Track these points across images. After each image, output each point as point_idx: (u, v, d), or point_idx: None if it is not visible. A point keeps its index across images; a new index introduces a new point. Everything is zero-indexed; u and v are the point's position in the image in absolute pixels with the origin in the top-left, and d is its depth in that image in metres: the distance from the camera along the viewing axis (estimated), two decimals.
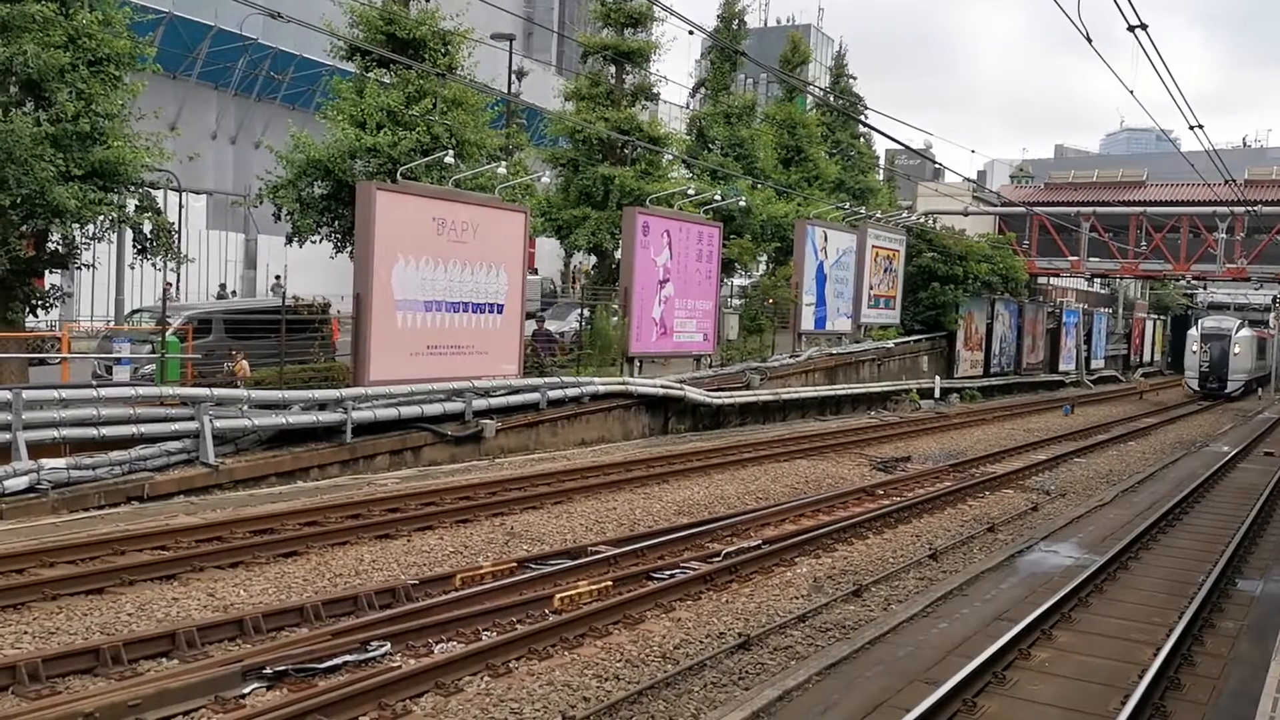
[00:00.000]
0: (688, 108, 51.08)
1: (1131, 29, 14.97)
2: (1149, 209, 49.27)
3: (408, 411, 19.84)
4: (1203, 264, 47.85)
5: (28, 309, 19.48)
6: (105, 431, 15.80)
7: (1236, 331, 56.39)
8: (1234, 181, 34.13)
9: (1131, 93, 21.11)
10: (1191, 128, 21.52)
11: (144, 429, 16.19)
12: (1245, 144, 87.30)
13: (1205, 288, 68.84)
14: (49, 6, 17.18)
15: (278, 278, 36.45)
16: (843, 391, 34.44)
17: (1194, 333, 57.59)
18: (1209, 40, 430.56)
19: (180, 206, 24.78)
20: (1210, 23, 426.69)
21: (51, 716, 7.53)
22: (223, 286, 30.41)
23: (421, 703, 8.54)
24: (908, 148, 32.24)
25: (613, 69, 33.00)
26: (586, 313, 28.16)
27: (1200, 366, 56.02)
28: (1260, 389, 64.73)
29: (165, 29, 38.09)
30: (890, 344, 39.23)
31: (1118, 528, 16.50)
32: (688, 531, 14.94)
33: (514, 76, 39.20)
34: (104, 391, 16.50)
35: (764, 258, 39.71)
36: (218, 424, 16.89)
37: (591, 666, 9.57)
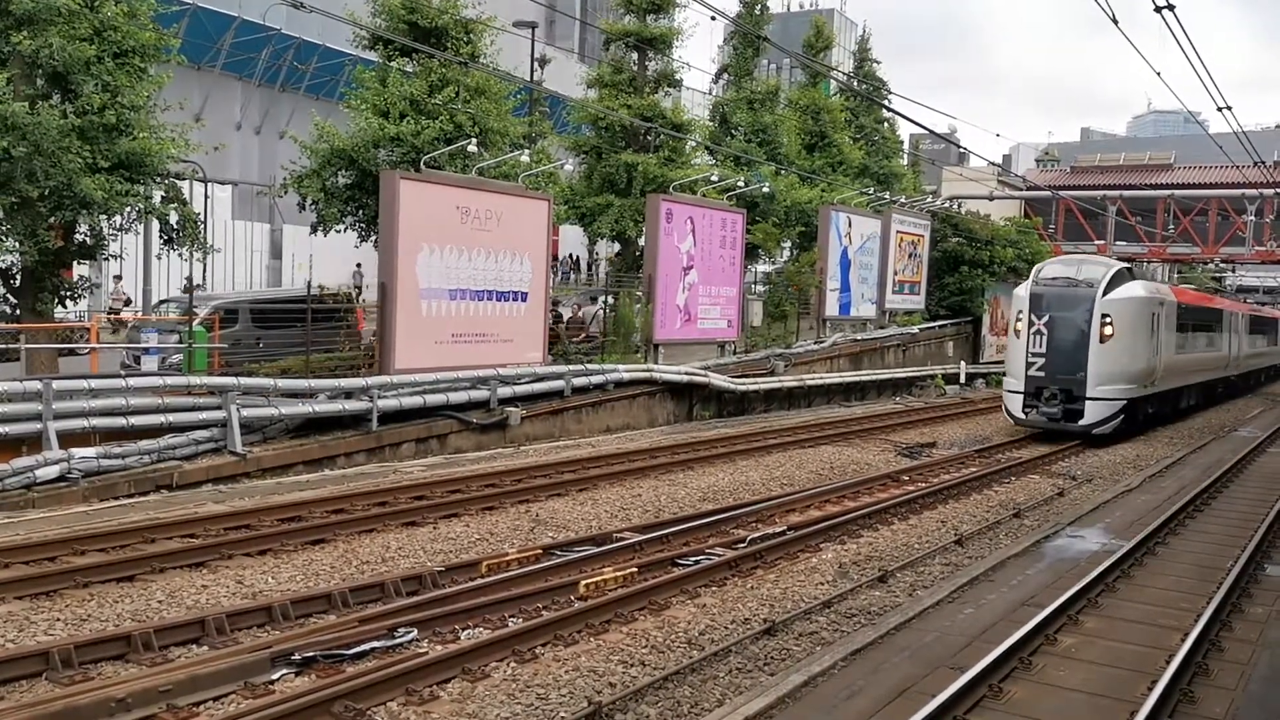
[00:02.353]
0: (711, 94, 50.88)
1: (1159, 10, 14.82)
2: (1176, 192, 48.89)
3: (433, 399, 19.94)
4: (1232, 247, 47.41)
5: (56, 300, 19.66)
6: (134, 421, 15.96)
7: (1109, 289, 25.55)
8: (1263, 163, 33.75)
9: (1159, 75, 20.93)
10: (1220, 109, 21.33)
11: (172, 418, 16.34)
12: (1277, 127, 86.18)
13: (1234, 271, 68.08)
14: (74, 0, 17.29)
15: (358, 271, 36.28)
16: (868, 377, 34.35)
17: (1021, 295, 26.69)
18: (1241, 20, 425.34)
19: (206, 197, 24.89)
20: (1240, 2, 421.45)
21: (85, 702, 7.61)
22: (188, 279, 29.81)
23: (448, 688, 8.59)
24: (932, 132, 32.01)
25: (635, 56, 32.89)
26: (610, 299, 28.17)
27: (1028, 366, 25.85)
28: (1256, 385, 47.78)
29: (189, 20, 38.23)
30: (915, 329, 39.07)
31: (1145, 513, 16.40)
32: (713, 518, 14.95)
33: (536, 64, 39.16)
34: (132, 381, 16.65)
35: (788, 244, 39.57)
36: (245, 413, 17.02)
37: (617, 652, 9.60)
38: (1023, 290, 26.36)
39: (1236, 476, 21.12)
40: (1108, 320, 24.93)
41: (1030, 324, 25.56)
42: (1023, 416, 25.91)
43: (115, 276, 30.40)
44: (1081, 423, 25.02)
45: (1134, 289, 26.39)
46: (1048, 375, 25.36)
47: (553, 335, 26.88)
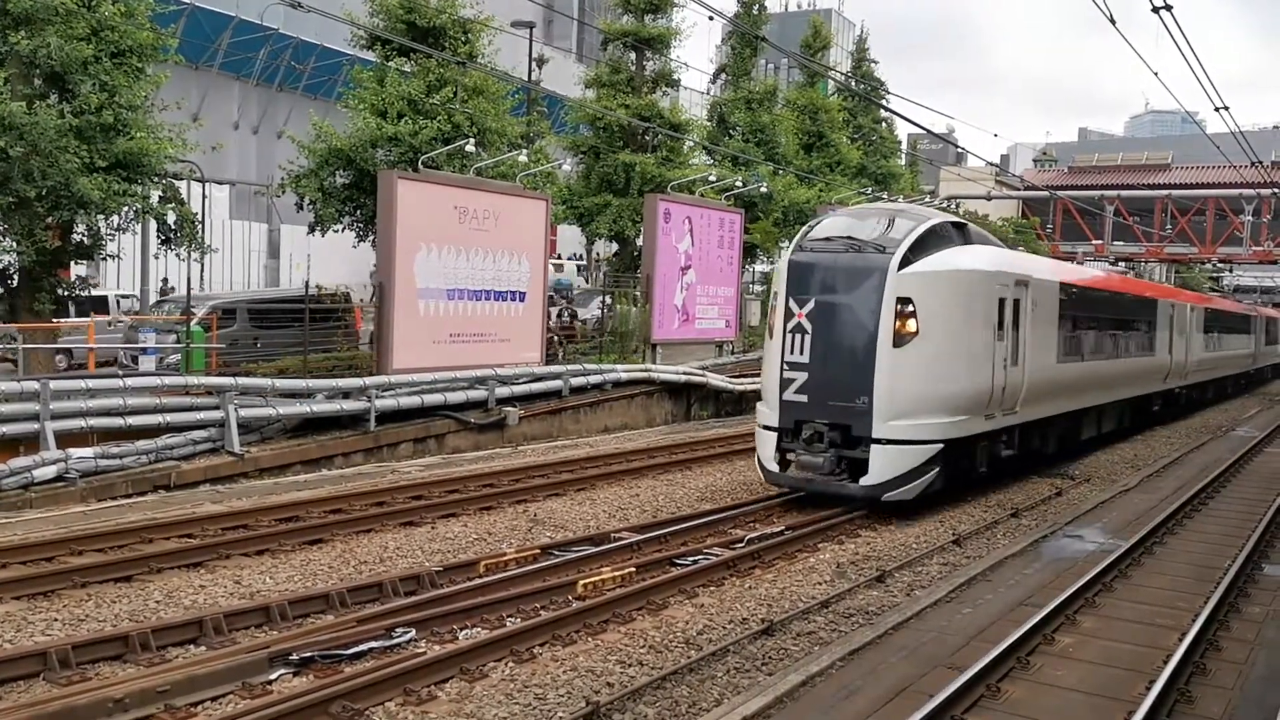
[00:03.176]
0: (708, 94, 50.90)
1: (1156, 10, 14.82)
2: (1174, 192, 48.95)
3: (431, 399, 19.93)
4: (1229, 247, 47.46)
5: (54, 299, 19.66)
6: (132, 421, 15.95)
7: (912, 256, 15.56)
8: (1261, 163, 33.79)
9: (1156, 75, 20.96)
10: (1217, 109, 21.32)
11: (170, 418, 16.33)
12: (1276, 128, 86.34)
13: (1231, 270, 68.17)
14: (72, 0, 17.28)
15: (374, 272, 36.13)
16: None
17: (780, 268, 16.89)
18: (1239, 20, 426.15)
19: (204, 197, 24.94)
20: (1238, 2, 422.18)
21: (82, 703, 7.61)
22: (165, 281, 29.49)
23: (446, 688, 8.59)
24: (930, 132, 32.00)
25: (633, 55, 32.92)
26: (608, 300, 28.19)
27: (783, 386, 15.89)
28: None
29: (187, 20, 38.23)
30: None
31: (1142, 512, 16.40)
32: (711, 518, 14.95)
33: (534, 64, 39.16)
34: (130, 381, 16.65)
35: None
36: (243, 413, 17.01)
37: (615, 652, 9.60)
38: (781, 261, 16.75)
39: (1234, 476, 21.13)
40: (908, 308, 15.23)
41: (788, 315, 15.83)
42: (774, 469, 16.07)
43: (163, 279, 30.45)
44: (865, 481, 15.23)
45: (960, 258, 16.24)
46: (812, 401, 15.57)
47: (568, 333, 26.87)
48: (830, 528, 14.89)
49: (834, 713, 8.08)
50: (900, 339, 15.18)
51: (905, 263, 15.34)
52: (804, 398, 15.62)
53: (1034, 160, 78.00)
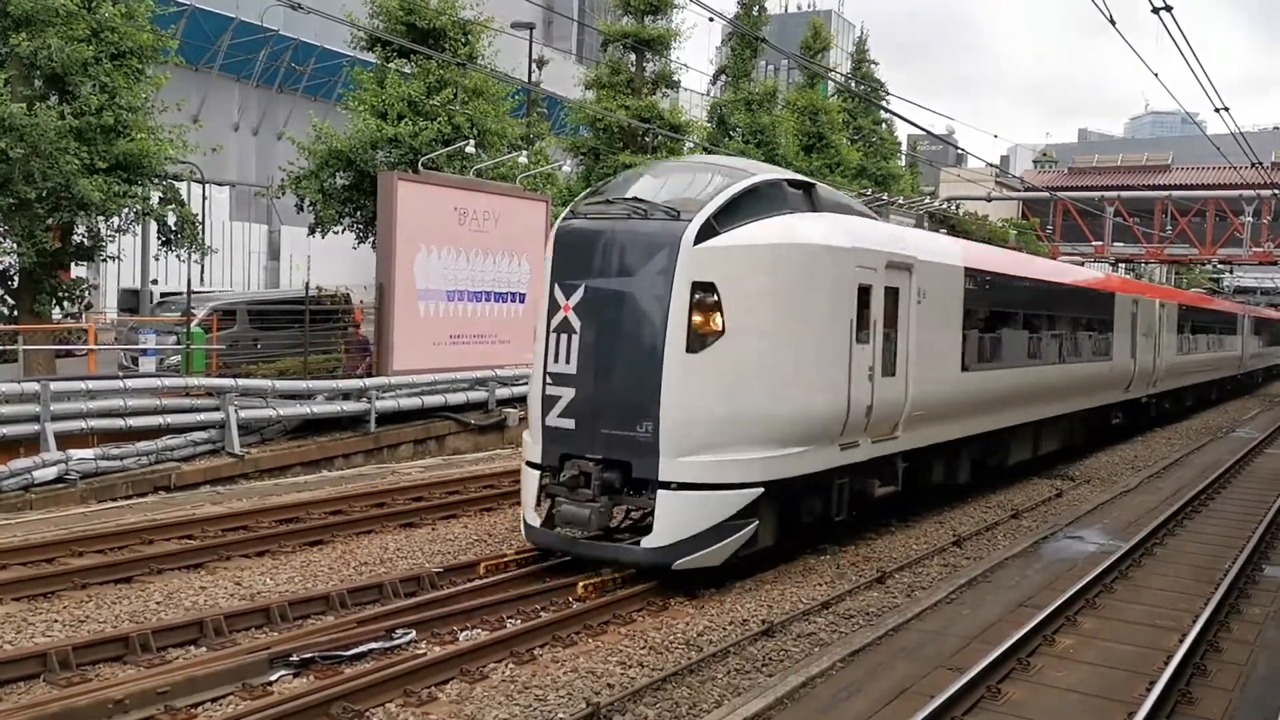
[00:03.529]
0: (708, 95, 50.92)
1: (1156, 11, 14.83)
2: (1174, 193, 48.95)
3: (431, 400, 19.95)
4: (1229, 248, 47.47)
5: (54, 301, 19.66)
6: (132, 422, 15.96)
7: (715, 226, 11.14)
8: (1261, 165, 33.82)
9: (1156, 76, 20.95)
10: (1217, 110, 21.32)
11: (170, 419, 16.34)
12: (1276, 129, 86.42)
13: (1231, 271, 68.20)
14: (72, 1, 17.29)
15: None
16: None
17: (549, 247, 12.04)
18: (1236, 21, 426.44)
19: (204, 198, 24.94)
20: (1237, 4, 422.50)
21: (83, 704, 7.61)
22: (155, 283, 29.46)
23: (447, 689, 8.58)
24: (930, 133, 32.04)
25: (633, 57, 32.95)
26: None
27: (546, 407, 11.50)
28: None
29: (187, 21, 38.25)
30: None
31: (1143, 513, 16.40)
32: None
33: (534, 65, 39.19)
34: (130, 383, 16.66)
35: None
36: (243, 414, 17.02)
37: (615, 653, 9.59)
38: (551, 248, 12.06)
39: (1234, 477, 21.12)
40: (710, 297, 11.07)
41: (553, 307, 11.65)
42: (534, 523, 11.92)
43: (153, 280, 30.39)
44: (649, 542, 11.12)
45: (795, 228, 11.92)
46: (581, 429, 11.35)
47: None
48: (831, 527, 14.75)
49: (834, 714, 8.07)
50: (698, 340, 10.90)
51: (708, 233, 11.02)
52: (570, 423, 11.22)
53: (1034, 161, 78.07)
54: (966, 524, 16.03)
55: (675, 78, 34.40)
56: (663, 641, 9.98)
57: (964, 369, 15.87)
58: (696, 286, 10.95)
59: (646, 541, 11.08)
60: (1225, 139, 28.07)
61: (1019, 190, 57.95)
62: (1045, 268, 22.16)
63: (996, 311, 17.54)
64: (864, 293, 12.75)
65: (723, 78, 43.69)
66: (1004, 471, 19.03)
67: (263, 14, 41.20)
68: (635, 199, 11.64)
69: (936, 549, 14.22)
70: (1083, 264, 40.72)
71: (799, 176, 13.34)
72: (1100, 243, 48.71)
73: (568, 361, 11.31)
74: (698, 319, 10.98)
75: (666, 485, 10.90)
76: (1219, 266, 61.58)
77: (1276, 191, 43.32)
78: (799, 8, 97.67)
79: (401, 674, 8.49)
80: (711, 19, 18.44)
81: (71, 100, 17.74)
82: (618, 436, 11.06)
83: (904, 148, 59.98)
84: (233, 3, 41.62)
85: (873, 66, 53.00)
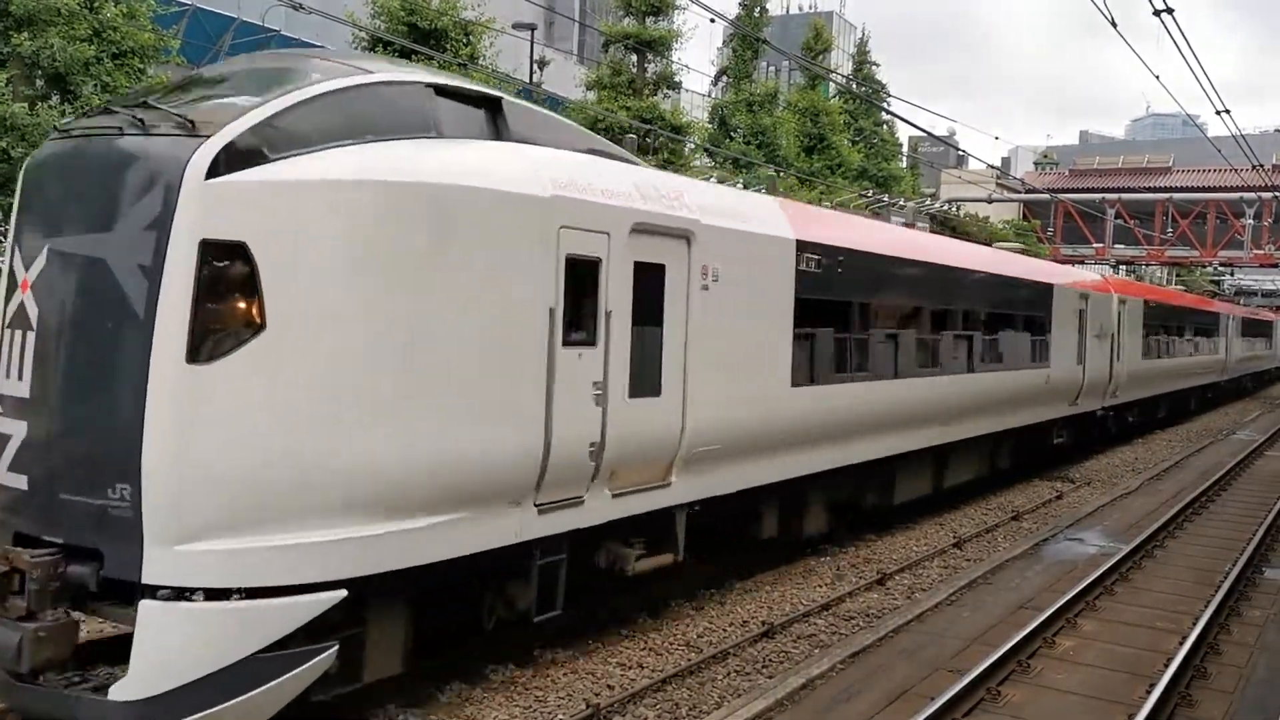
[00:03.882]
0: (710, 96, 50.94)
1: (1157, 13, 14.83)
2: (1175, 195, 48.92)
3: None
4: (1230, 250, 47.47)
5: None
6: None
7: (248, 154, 6.74)
8: (1262, 167, 33.80)
9: (1157, 78, 20.94)
10: (1219, 112, 21.31)
11: None
12: (1277, 131, 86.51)
13: (1232, 274, 68.14)
14: (74, 1, 17.31)
15: None
16: None
17: (18, 197, 7.52)
18: (1238, 24, 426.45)
19: None
20: (1239, 7, 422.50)
21: None
22: None
23: (447, 690, 8.58)
24: (931, 135, 32.05)
25: (634, 58, 32.92)
26: None
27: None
28: None
29: (189, 21, 38.23)
30: None
31: (1143, 516, 16.41)
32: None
33: (536, 66, 39.22)
34: None
35: None
36: None
37: (615, 655, 9.60)
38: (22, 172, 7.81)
39: (1235, 479, 21.14)
40: (233, 267, 6.75)
41: (10, 285, 7.27)
42: None
43: None
44: (119, 692, 6.42)
45: (405, 160, 7.49)
46: (35, 489, 6.85)
47: None
48: (831, 529, 14.66)
49: (834, 715, 8.08)
50: (211, 342, 6.71)
51: (243, 161, 6.82)
52: (22, 482, 6.93)
53: (1035, 163, 78.05)
54: (967, 526, 16.05)
55: (676, 79, 34.38)
56: (663, 643, 9.99)
57: (796, 383, 11.67)
58: (210, 249, 6.65)
59: (118, 690, 6.46)
60: (1226, 141, 28.07)
61: (1020, 192, 57.93)
62: (949, 250, 17.45)
63: (862, 304, 13.33)
64: (583, 269, 8.59)
65: (724, 79, 43.70)
66: (891, 511, 15.42)
67: (264, 14, 41.20)
68: (144, 106, 7.22)
69: (937, 551, 14.23)
70: (1083, 264, 40.61)
71: (479, 88, 9.00)
72: (1101, 245, 48.70)
73: (19, 378, 6.99)
74: (212, 305, 6.70)
75: (153, 592, 6.52)
76: (1220, 269, 61.49)
77: (1277, 194, 43.32)
78: (800, 9, 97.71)
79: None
80: (713, 20, 18.48)
81: (73, 100, 17.74)
82: (82, 506, 6.66)
83: (905, 149, 59.99)
84: (234, 3, 41.64)
85: (874, 68, 53.04)
